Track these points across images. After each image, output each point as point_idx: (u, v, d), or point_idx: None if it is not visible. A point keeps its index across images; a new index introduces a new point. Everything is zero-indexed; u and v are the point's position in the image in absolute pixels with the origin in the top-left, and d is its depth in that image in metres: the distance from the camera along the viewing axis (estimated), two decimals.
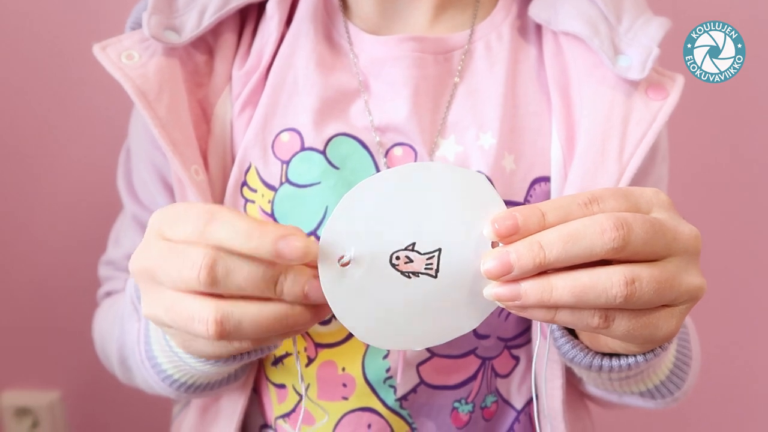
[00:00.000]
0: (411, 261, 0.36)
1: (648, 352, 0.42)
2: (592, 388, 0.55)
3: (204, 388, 0.52)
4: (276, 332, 0.36)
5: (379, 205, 0.35)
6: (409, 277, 0.36)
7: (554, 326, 0.46)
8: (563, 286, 0.34)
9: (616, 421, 0.83)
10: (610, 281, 0.34)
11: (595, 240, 0.34)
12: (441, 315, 0.37)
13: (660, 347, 0.42)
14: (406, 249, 0.35)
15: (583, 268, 0.35)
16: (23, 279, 0.98)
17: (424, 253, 0.36)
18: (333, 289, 0.35)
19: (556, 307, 0.35)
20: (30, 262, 0.98)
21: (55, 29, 0.88)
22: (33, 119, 0.92)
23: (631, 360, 0.43)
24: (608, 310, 0.35)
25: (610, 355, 0.44)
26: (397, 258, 0.35)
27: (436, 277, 0.36)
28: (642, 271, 0.34)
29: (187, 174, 0.50)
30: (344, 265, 0.35)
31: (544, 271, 0.35)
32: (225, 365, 0.46)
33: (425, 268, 0.36)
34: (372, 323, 0.37)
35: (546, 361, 0.46)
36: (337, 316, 0.36)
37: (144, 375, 0.52)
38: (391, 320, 0.37)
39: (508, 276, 0.35)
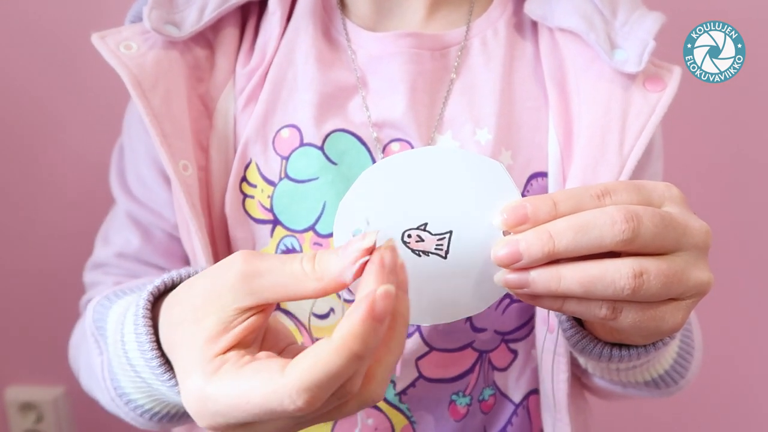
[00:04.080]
0: (422, 240, 0.36)
1: (657, 341, 0.42)
2: (597, 380, 0.55)
3: (187, 416, 0.49)
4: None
5: (396, 184, 0.36)
6: (419, 255, 0.37)
7: (563, 317, 0.46)
8: (572, 277, 0.34)
9: (612, 415, 0.84)
10: (618, 273, 0.34)
11: (605, 231, 0.34)
12: (449, 295, 0.38)
13: (669, 337, 0.42)
14: (417, 228, 0.36)
15: (592, 259, 0.35)
16: (28, 274, 0.99)
17: (435, 234, 0.36)
18: None
19: (564, 296, 0.35)
20: (34, 258, 0.98)
21: (57, 26, 0.88)
22: (36, 117, 0.93)
23: (640, 348, 0.43)
24: (616, 302, 0.35)
25: (620, 345, 0.44)
26: (409, 236, 0.36)
27: (445, 258, 0.37)
28: (650, 265, 0.34)
29: (173, 167, 0.50)
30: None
31: (554, 260, 0.35)
32: None
33: (435, 248, 0.36)
34: None
35: (554, 355, 0.46)
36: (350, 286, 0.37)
37: (118, 412, 0.50)
38: None
39: (517, 264, 0.35)
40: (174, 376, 0.41)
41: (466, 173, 0.36)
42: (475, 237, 0.36)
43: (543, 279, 0.35)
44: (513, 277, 0.35)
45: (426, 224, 0.36)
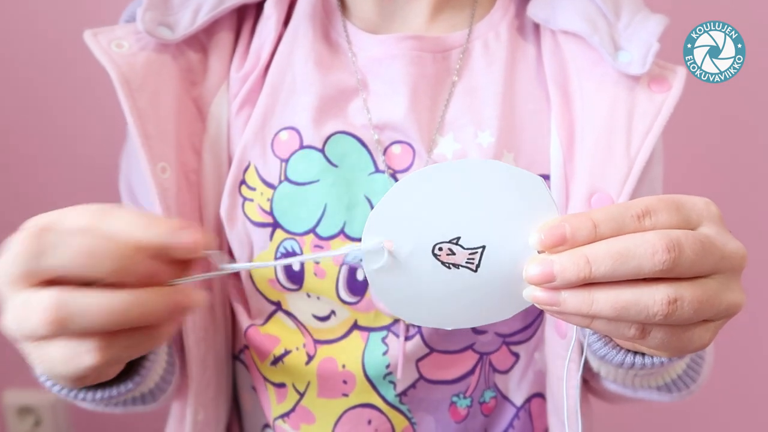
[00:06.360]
0: (453, 254, 0.35)
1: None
2: (609, 384, 0.55)
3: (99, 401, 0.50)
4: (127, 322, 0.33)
5: (430, 196, 0.35)
6: (449, 267, 0.36)
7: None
8: (605, 300, 0.33)
9: (611, 417, 0.84)
10: (652, 299, 0.33)
11: (644, 261, 0.33)
12: (475, 304, 0.37)
13: None
14: (450, 242, 0.35)
15: (627, 283, 0.34)
16: None
17: (468, 248, 0.35)
18: (374, 268, 0.36)
19: (594, 317, 0.34)
20: None
21: (55, 28, 0.88)
22: (34, 120, 0.93)
23: (664, 358, 0.43)
24: (646, 324, 0.35)
25: (642, 353, 0.44)
26: (440, 249, 0.35)
27: (476, 271, 0.36)
28: (685, 291, 0.33)
29: (150, 169, 0.50)
30: (388, 248, 0.36)
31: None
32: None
33: (466, 262, 0.36)
34: (406, 301, 0.37)
35: (567, 362, 0.46)
36: (374, 293, 0.37)
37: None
38: (426, 302, 0.37)
39: (549, 285, 0.34)
40: None
41: (504, 186, 0.35)
42: (508, 252, 0.35)
43: (575, 301, 0.34)
44: (543, 295, 0.34)
45: (458, 238, 0.35)
